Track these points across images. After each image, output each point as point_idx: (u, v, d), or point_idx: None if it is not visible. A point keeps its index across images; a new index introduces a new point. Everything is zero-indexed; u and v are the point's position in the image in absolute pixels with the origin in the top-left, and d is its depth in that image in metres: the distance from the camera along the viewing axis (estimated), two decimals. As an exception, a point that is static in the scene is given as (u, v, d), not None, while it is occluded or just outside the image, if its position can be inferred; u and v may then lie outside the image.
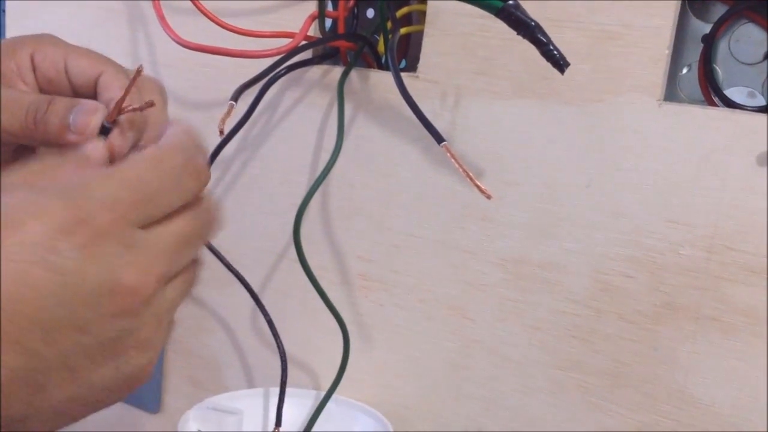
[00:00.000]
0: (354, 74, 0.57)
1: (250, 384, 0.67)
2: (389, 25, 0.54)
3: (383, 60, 0.58)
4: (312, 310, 0.61)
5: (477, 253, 0.55)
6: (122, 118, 0.39)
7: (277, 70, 0.55)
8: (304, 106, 0.60)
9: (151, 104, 0.38)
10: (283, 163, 0.62)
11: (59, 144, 0.40)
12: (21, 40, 0.44)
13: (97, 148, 0.38)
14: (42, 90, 0.43)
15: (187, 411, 0.57)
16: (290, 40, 0.53)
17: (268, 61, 0.55)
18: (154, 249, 0.34)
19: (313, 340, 0.62)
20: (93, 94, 0.42)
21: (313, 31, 0.57)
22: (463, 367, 0.55)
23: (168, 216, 0.35)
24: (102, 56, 0.44)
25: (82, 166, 0.37)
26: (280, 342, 0.59)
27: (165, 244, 0.34)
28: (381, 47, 0.58)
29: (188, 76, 0.66)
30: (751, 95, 0.51)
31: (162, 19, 0.54)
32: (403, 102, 0.55)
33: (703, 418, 0.48)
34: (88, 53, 0.43)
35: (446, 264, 0.56)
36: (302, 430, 0.57)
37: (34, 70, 0.43)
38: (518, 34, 0.42)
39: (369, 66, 0.60)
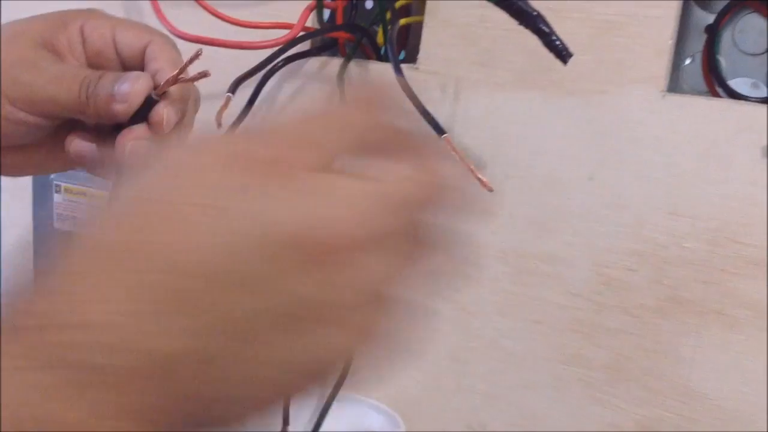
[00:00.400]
0: (353, 66, 0.57)
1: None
2: (388, 15, 0.54)
3: (382, 51, 0.58)
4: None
5: (478, 246, 0.54)
6: (172, 90, 0.39)
7: (276, 61, 0.54)
8: (303, 98, 0.60)
9: (205, 74, 0.38)
10: (282, 156, 0.61)
11: (109, 116, 0.40)
12: (71, 14, 0.44)
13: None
14: (90, 62, 0.43)
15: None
16: (288, 31, 0.52)
17: (266, 53, 0.54)
18: (355, 199, 0.26)
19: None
20: (141, 65, 0.42)
21: (312, 22, 0.57)
22: (463, 361, 0.55)
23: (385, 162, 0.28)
24: (149, 27, 0.44)
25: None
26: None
27: (372, 197, 0.27)
28: (380, 38, 0.57)
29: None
30: (755, 86, 0.50)
31: (158, 11, 0.54)
32: (403, 94, 0.55)
33: (706, 413, 0.48)
34: (136, 25, 0.44)
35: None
36: (310, 430, 0.56)
37: (84, 43, 0.43)
38: (520, 24, 0.42)
39: (368, 57, 0.59)
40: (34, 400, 0.23)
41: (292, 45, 0.54)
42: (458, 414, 0.55)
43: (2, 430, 0.22)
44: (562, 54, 0.41)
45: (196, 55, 0.38)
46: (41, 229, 0.75)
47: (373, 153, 0.29)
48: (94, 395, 0.23)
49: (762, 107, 0.45)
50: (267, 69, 0.55)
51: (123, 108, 0.39)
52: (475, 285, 0.54)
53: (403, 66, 0.55)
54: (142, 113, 0.40)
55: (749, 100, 0.48)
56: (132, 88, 0.39)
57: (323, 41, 0.59)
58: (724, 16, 0.50)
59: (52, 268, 0.26)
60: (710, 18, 0.51)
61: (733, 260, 0.46)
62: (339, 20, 0.57)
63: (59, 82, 0.40)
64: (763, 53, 0.50)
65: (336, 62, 0.57)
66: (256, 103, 0.57)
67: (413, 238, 0.28)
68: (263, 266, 0.24)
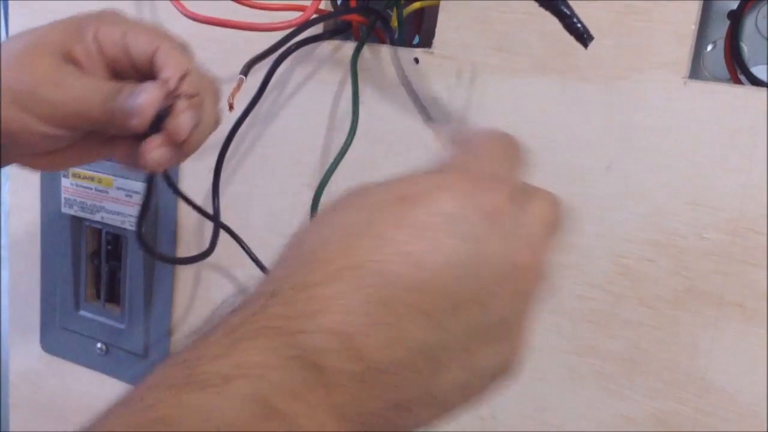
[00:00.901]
0: (366, 50, 0.56)
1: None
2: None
3: (396, 35, 0.57)
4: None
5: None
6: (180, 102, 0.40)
7: (288, 44, 0.54)
8: (315, 83, 0.59)
9: (194, 95, 0.40)
10: (294, 142, 0.60)
11: (127, 129, 0.41)
12: (85, 21, 0.44)
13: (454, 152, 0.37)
14: (108, 69, 0.44)
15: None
16: (301, 13, 0.51)
17: (278, 35, 0.53)
18: (535, 230, 0.32)
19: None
20: (154, 71, 0.42)
21: (326, 5, 0.56)
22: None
23: (527, 195, 0.33)
24: (159, 31, 0.44)
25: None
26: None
27: (540, 224, 0.33)
28: (394, 22, 0.56)
29: (197, 51, 0.64)
30: (778, 74, 0.49)
31: (169, -9, 0.53)
32: (420, 79, 0.54)
33: (723, 406, 0.47)
34: (147, 29, 0.44)
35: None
36: None
37: (100, 51, 0.44)
38: (540, 5, 0.41)
39: (381, 41, 0.58)
40: (263, 386, 0.26)
41: (304, 28, 0.53)
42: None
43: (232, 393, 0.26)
44: (583, 37, 0.40)
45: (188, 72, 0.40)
46: (49, 214, 0.74)
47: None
48: (316, 394, 0.27)
49: (786, 95, 0.44)
50: (280, 52, 0.54)
51: (137, 122, 0.41)
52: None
53: (418, 50, 0.54)
54: (159, 121, 0.41)
55: (772, 88, 0.47)
56: (142, 103, 0.40)
57: (336, 24, 0.58)
58: (748, 2, 0.49)
59: (288, 276, 0.29)
60: (733, 4, 0.50)
61: (753, 251, 0.45)
62: (353, 3, 0.56)
63: (83, 100, 0.41)
64: (786, 40, 0.49)
65: (349, 46, 0.56)
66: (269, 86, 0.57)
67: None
68: (491, 290, 0.30)
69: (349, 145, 0.53)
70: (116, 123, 0.41)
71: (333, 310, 0.28)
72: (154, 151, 0.41)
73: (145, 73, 0.43)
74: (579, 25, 0.40)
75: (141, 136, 0.42)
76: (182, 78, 0.40)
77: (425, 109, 0.47)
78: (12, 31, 0.75)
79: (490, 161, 0.34)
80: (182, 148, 0.42)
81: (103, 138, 0.45)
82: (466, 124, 0.38)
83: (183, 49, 0.44)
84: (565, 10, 0.40)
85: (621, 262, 0.49)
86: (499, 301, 0.30)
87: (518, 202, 0.32)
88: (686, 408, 0.48)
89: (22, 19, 0.75)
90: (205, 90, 0.44)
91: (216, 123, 0.45)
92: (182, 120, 0.41)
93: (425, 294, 0.29)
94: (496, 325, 0.31)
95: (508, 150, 0.35)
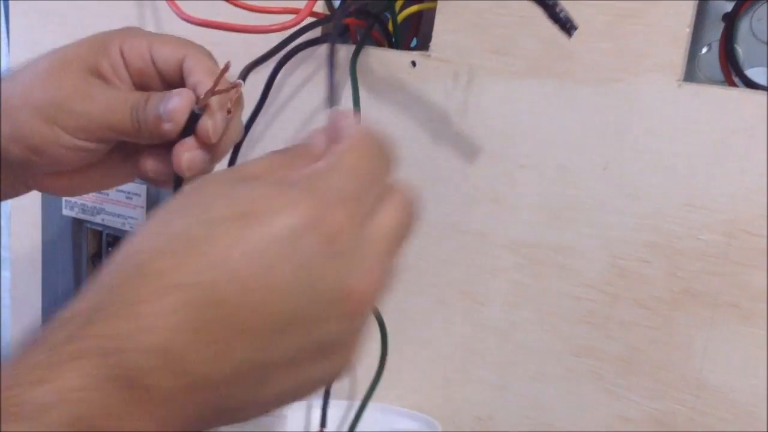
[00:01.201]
0: (364, 53, 0.56)
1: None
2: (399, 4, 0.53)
3: (393, 39, 0.57)
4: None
5: (489, 237, 0.53)
6: (213, 101, 0.41)
7: (288, 48, 0.54)
8: (313, 85, 0.59)
9: (237, 84, 0.40)
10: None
11: (159, 136, 0.42)
12: (109, 37, 0.45)
13: (320, 141, 0.37)
14: (135, 82, 0.45)
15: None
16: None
17: (275, 38, 0.54)
18: (376, 246, 0.33)
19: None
20: (181, 79, 0.43)
21: (323, 8, 0.56)
22: (474, 352, 0.54)
23: (374, 209, 0.34)
24: (183, 40, 0.45)
25: (307, 158, 0.36)
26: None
27: (380, 241, 0.34)
28: (391, 25, 0.57)
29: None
30: (773, 76, 0.50)
31: (167, -6, 0.53)
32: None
33: (720, 407, 0.47)
34: (170, 39, 0.45)
35: (457, 247, 0.55)
36: (347, 429, 0.56)
37: (126, 64, 0.44)
38: None
39: (379, 44, 0.58)
40: (83, 410, 0.27)
41: (304, 31, 0.54)
42: (469, 404, 0.55)
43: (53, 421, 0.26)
44: (567, 26, 0.40)
45: (227, 68, 0.40)
46: (50, 216, 0.75)
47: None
48: (140, 410, 0.28)
49: (780, 97, 0.44)
50: (280, 56, 0.55)
51: (170, 127, 0.41)
52: (488, 276, 0.54)
53: (415, 53, 0.54)
54: (190, 126, 0.41)
55: (766, 90, 0.47)
56: (176, 107, 0.41)
57: (334, 27, 0.58)
58: (742, 4, 0.50)
59: (116, 288, 0.29)
60: (728, 6, 0.51)
61: (748, 252, 0.45)
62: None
63: (111, 110, 0.42)
64: (781, 42, 0.50)
65: (347, 49, 0.57)
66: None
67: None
68: (321, 314, 0.31)
69: None
70: (147, 129, 0.42)
71: (159, 327, 0.28)
72: (187, 153, 0.42)
73: (172, 82, 0.44)
74: (562, 15, 0.40)
75: (168, 146, 0.42)
76: (215, 83, 0.40)
77: (334, 95, 0.46)
78: (13, 31, 0.76)
79: (346, 177, 0.33)
80: (213, 153, 0.43)
81: (128, 153, 0.46)
82: (346, 116, 0.38)
83: (209, 55, 0.45)
84: (548, 0, 0.40)
85: (617, 263, 0.49)
86: (329, 323, 0.31)
87: (362, 222, 0.32)
88: (682, 408, 0.48)
89: (22, 20, 0.75)
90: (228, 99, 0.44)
91: (241, 130, 0.46)
92: (215, 121, 0.42)
93: (253, 316, 0.29)
94: (324, 344, 0.32)
95: (369, 165, 0.34)
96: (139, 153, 0.45)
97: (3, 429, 0.25)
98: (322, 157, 0.35)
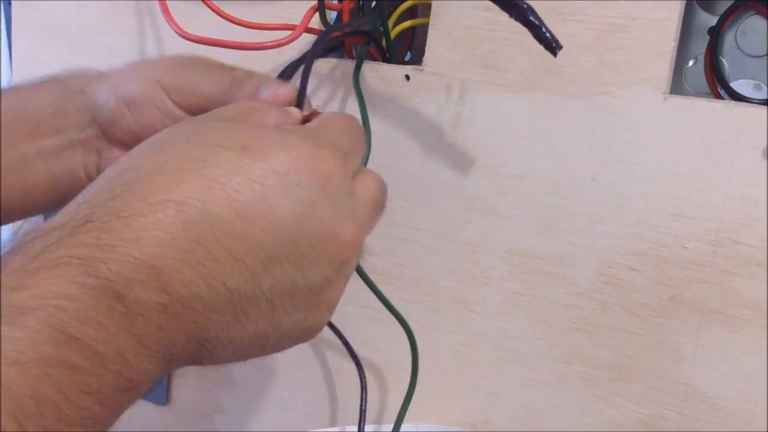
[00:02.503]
0: (350, 65, 0.57)
1: (261, 378, 0.67)
2: (392, 22, 0.54)
3: (387, 54, 0.58)
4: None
5: (482, 246, 0.55)
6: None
7: (288, 63, 0.55)
8: (313, 100, 0.60)
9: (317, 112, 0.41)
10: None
11: None
12: (148, 88, 0.46)
13: (295, 111, 0.40)
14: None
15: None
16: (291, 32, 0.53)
17: (272, 54, 0.55)
18: (364, 200, 0.35)
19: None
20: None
21: (318, 24, 0.57)
22: (468, 360, 0.55)
23: (358, 171, 0.36)
24: (213, 70, 0.46)
25: (284, 115, 0.38)
26: (354, 353, 0.57)
27: (367, 201, 0.35)
28: (385, 40, 0.58)
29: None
30: (758, 88, 0.51)
31: (166, 11, 0.54)
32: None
33: (708, 412, 0.48)
34: (203, 73, 0.45)
35: (451, 257, 0.56)
36: None
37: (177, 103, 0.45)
38: (510, 16, 0.42)
39: (373, 58, 0.60)
40: (60, 316, 0.26)
41: (320, 46, 0.54)
42: (462, 412, 0.56)
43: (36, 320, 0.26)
44: (552, 46, 0.41)
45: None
46: (49, 214, 0.75)
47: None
48: (116, 322, 0.27)
49: (764, 109, 0.45)
50: (285, 72, 0.56)
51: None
52: (481, 285, 0.55)
53: (409, 68, 0.56)
54: None
55: (752, 102, 0.48)
56: (273, 91, 0.42)
57: (329, 43, 0.59)
58: (727, 18, 0.51)
59: (108, 201, 0.29)
60: (713, 20, 0.52)
61: (734, 260, 0.46)
62: (345, 19, 0.57)
63: (210, 74, 0.44)
64: (765, 55, 0.51)
65: (344, 64, 0.58)
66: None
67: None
68: (309, 254, 0.31)
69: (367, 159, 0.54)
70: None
71: (147, 240, 0.28)
72: None
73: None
74: (548, 35, 0.41)
75: None
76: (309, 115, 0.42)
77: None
78: (15, 47, 0.77)
79: (335, 133, 0.35)
80: None
81: None
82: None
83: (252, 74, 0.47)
84: (533, 20, 0.41)
85: (607, 272, 0.50)
86: (314, 266, 0.32)
87: (351, 176, 0.34)
88: (672, 413, 0.49)
89: (24, 36, 0.76)
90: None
91: None
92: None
93: (242, 242, 0.29)
94: (306, 288, 0.32)
95: (352, 131, 0.37)
96: None
97: None
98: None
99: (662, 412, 0.49)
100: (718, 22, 0.51)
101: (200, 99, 0.43)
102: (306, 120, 0.41)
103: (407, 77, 0.55)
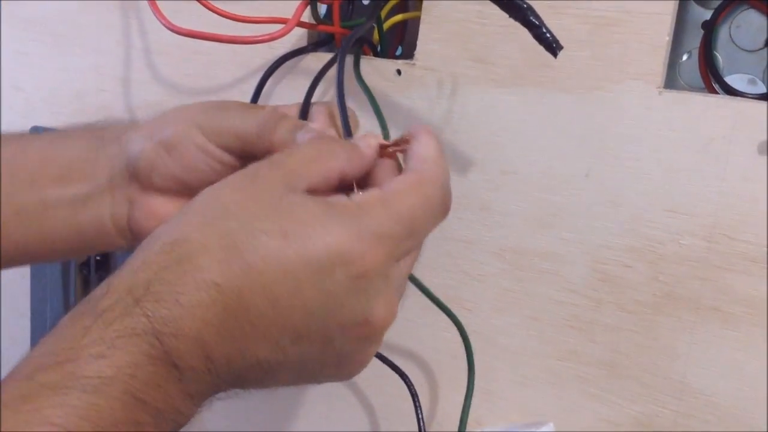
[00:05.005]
0: (348, 61, 0.56)
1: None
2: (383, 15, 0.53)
3: (379, 48, 0.57)
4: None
5: (475, 243, 0.54)
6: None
7: (277, 59, 0.54)
8: (301, 95, 0.59)
9: (407, 140, 0.40)
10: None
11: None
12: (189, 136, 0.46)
13: (370, 145, 0.39)
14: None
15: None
16: (283, 25, 0.52)
17: (262, 48, 0.54)
18: (398, 281, 0.36)
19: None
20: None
21: (308, 18, 0.56)
22: (461, 358, 0.55)
23: (404, 255, 0.37)
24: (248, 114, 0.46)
25: (352, 155, 0.38)
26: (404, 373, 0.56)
27: (402, 277, 0.37)
28: (376, 36, 0.57)
29: (181, 63, 0.65)
30: (752, 82, 0.50)
31: (154, 5, 0.53)
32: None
33: (702, 409, 0.48)
34: (236, 114, 0.45)
35: (444, 254, 0.55)
36: None
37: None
38: (510, 16, 0.42)
39: (364, 53, 0.59)
40: (134, 384, 0.30)
41: (315, 42, 0.54)
42: (455, 409, 0.55)
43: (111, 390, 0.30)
44: (552, 47, 0.41)
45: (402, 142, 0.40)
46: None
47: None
48: (173, 385, 0.32)
49: (759, 104, 0.45)
50: (267, 66, 0.55)
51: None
52: (473, 282, 0.54)
53: (400, 62, 0.55)
54: None
55: (746, 97, 0.48)
56: (312, 135, 0.43)
57: (319, 37, 0.59)
58: (721, 12, 0.50)
59: (162, 271, 0.33)
60: (707, 14, 0.51)
61: (728, 257, 0.46)
62: (335, 16, 0.57)
63: (246, 115, 0.44)
64: (760, 49, 0.50)
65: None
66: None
67: None
68: (337, 335, 0.34)
69: None
70: (273, 148, 0.43)
71: (193, 317, 0.32)
72: None
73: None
74: (548, 35, 0.40)
75: None
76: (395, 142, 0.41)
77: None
78: (4, 40, 0.76)
79: (392, 218, 0.35)
80: None
81: None
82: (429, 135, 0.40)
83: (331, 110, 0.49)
84: (533, 20, 0.40)
85: (600, 269, 0.50)
86: (344, 343, 0.35)
87: (391, 266, 0.35)
88: (666, 411, 0.49)
89: (11, 19, 0.75)
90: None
91: None
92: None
93: (273, 325, 0.33)
94: (335, 357, 0.35)
95: (421, 214, 0.36)
96: None
97: (73, 401, 0.29)
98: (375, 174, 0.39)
99: (656, 409, 0.49)
100: (712, 16, 0.51)
101: (236, 139, 0.44)
102: (386, 153, 0.40)
103: (398, 72, 0.55)
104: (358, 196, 0.36)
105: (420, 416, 0.53)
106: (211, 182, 0.44)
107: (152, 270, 0.33)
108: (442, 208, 0.37)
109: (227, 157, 0.44)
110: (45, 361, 0.30)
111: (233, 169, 0.44)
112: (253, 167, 0.37)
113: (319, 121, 0.47)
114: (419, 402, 0.54)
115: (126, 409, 0.30)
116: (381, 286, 0.35)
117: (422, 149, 0.38)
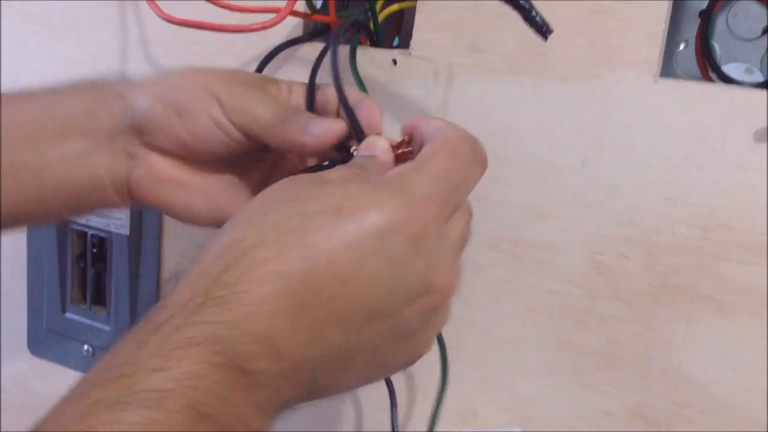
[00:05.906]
0: (344, 51, 0.56)
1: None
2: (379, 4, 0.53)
3: (375, 37, 0.57)
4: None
5: (471, 233, 0.54)
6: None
7: (273, 49, 0.54)
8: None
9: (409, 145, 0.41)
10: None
11: (297, 146, 0.43)
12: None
13: (387, 152, 0.41)
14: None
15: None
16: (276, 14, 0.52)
17: (255, 37, 0.54)
18: (454, 244, 0.36)
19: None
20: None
21: (303, 7, 0.56)
22: (456, 349, 0.54)
23: (452, 213, 0.37)
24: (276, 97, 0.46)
25: (382, 169, 0.39)
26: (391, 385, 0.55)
27: (456, 239, 0.37)
28: (372, 23, 0.57)
29: (178, 54, 0.65)
30: (749, 71, 0.50)
31: (149, -6, 0.53)
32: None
33: (699, 399, 0.48)
34: (258, 99, 0.45)
35: (439, 244, 0.55)
36: None
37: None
38: (500, 0, 0.41)
39: (361, 42, 0.59)
40: (195, 396, 0.29)
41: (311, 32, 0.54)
42: (450, 400, 0.55)
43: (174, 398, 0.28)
44: (542, 29, 0.40)
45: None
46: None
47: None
48: (240, 395, 0.30)
49: (756, 92, 0.44)
50: (262, 56, 0.55)
51: (311, 141, 0.42)
52: (468, 272, 0.54)
53: (396, 51, 0.55)
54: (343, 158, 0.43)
55: (743, 85, 0.48)
56: (324, 129, 0.43)
57: (315, 26, 0.59)
58: (718, 1, 0.50)
59: (220, 275, 0.31)
60: (704, 3, 0.51)
61: (725, 246, 0.46)
62: (331, 6, 0.57)
63: (266, 101, 0.44)
64: (756, 38, 0.50)
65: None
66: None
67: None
68: (406, 305, 0.34)
69: None
70: (288, 136, 0.43)
71: (259, 314, 0.30)
72: None
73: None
74: (538, 18, 0.40)
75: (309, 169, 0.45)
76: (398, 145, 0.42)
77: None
78: (4, 31, 0.76)
79: (429, 181, 0.35)
80: None
81: (265, 169, 0.48)
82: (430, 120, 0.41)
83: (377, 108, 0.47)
84: (523, 3, 0.40)
85: (596, 258, 0.50)
86: (412, 314, 0.34)
87: (443, 225, 0.35)
88: (662, 401, 0.49)
89: (10, 10, 0.75)
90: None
91: None
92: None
93: (345, 305, 0.32)
94: (407, 331, 0.35)
95: (455, 167, 0.36)
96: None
97: (131, 417, 0.27)
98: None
99: (652, 399, 0.49)
100: (709, 5, 0.51)
101: (254, 125, 0.43)
102: (398, 155, 0.41)
103: (394, 61, 0.55)
104: (392, 171, 0.36)
105: (394, 416, 0.53)
106: (215, 152, 0.44)
107: (210, 277, 0.31)
108: (474, 156, 0.38)
109: (238, 136, 0.44)
110: (100, 377, 0.29)
111: (240, 146, 0.44)
112: (290, 181, 0.37)
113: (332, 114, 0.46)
114: (396, 401, 0.54)
115: (188, 424, 0.28)
116: (439, 249, 0.34)
117: (428, 125, 0.39)
